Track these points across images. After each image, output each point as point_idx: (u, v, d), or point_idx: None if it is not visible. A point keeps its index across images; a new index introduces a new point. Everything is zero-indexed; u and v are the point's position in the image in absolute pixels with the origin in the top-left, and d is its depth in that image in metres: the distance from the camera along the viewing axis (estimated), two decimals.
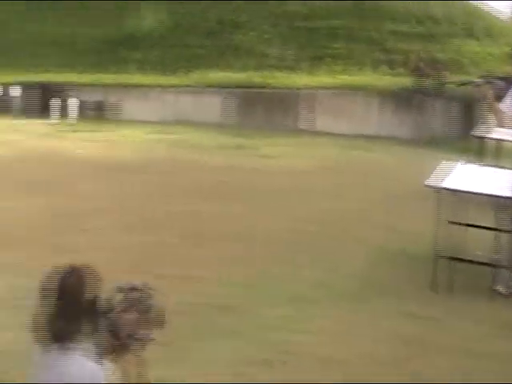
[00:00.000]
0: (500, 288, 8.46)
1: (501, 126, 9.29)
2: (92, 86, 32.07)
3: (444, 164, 8.77)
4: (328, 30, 33.17)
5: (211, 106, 28.39)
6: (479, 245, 8.96)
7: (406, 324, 7.31)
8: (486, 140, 9.68)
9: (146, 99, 30.47)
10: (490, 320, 7.57)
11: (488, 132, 9.47)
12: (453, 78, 23.95)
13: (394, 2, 33.56)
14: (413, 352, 6.62)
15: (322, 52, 31.63)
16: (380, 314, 7.58)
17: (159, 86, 30.61)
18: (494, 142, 9.63)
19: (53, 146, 21.27)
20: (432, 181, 8.50)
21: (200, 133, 24.46)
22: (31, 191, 13.87)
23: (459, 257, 8.39)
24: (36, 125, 28.24)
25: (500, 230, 8.61)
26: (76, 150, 20.00)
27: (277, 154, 19.71)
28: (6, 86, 35.15)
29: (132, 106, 30.50)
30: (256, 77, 28.94)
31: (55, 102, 31.22)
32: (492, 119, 9.81)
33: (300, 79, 28.68)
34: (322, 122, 26.11)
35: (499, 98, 9.53)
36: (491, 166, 9.08)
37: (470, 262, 8.54)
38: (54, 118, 30.72)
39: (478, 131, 9.82)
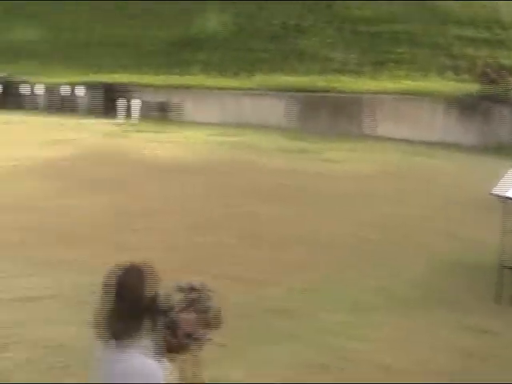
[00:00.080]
0: None
1: None
2: (155, 87, 32.49)
3: (510, 173, 8.56)
4: (391, 34, 32.87)
5: (273, 110, 28.42)
6: None
7: (466, 335, 7.14)
8: None
9: (209, 101, 30.69)
10: None
11: None
12: None
13: (460, 6, 33.02)
14: (471, 364, 6.46)
15: (385, 57, 31.35)
16: (439, 323, 7.43)
17: (222, 88, 30.79)
18: None
19: (117, 146, 21.66)
20: (498, 190, 8.29)
21: (262, 136, 24.54)
22: (95, 189, 14.14)
23: None
24: (101, 124, 28.77)
25: None
26: (140, 150, 20.31)
27: (339, 159, 19.63)
28: (73, 85, 35.98)
29: (194, 108, 30.77)
30: (319, 81, 28.85)
31: (120, 103, 31.73)
32: None
33: (363, 84, 28.47)
34: (385, 128, 25.87)
35: None
36: None
37: None
38: (119, 117, 31.24)
39: None
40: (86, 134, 25.19)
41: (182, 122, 29.46)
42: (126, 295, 2.87)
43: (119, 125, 29.09)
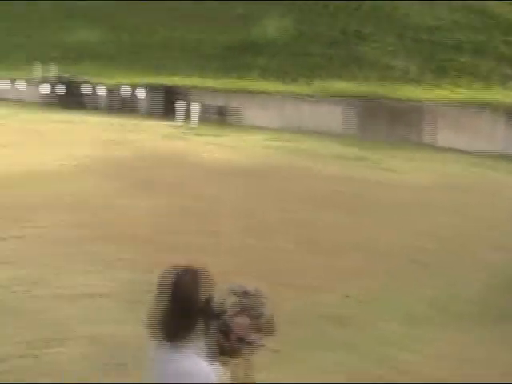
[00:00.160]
0: None
1: None
2: (215, 90, 32.72)
3: None
4: (453, 43, 32.42)
5: (332, 116, 28.32)
6: None
7: None
8: None
9: (267, 106, 30.75)
10: None
11: None
12: None
13: None
14: None
15: (446, 65, 30.93)
16: (496, 340, 7.22)
17: (280, 93, 30.82)
18: None
19: (175, 148, 21.89)
20: None
21: (319, 142, 24.48)
22: (153, 190, 14.33)
23: None
24: (160, 126, 29.13)
25: None
26: (198, 153, 20.49)
27: (397, 167, 19.44)
28: (134, 87, 36.53)
29: (253, 112, 30.87)
30: (379, 88, 28.62)
31: (180, 105, 32.05)
32: None
33: (423, 93, 28.13)
34: (445, 137, 25.49)
35: None
36: None
37: None
38: (178, 120, 31.56)
39: None
40: (146, 135, 25.52)
41: (241, 126, 29.60)
42: (181, 297, 2.88)
43: (178, 127, 29.39)
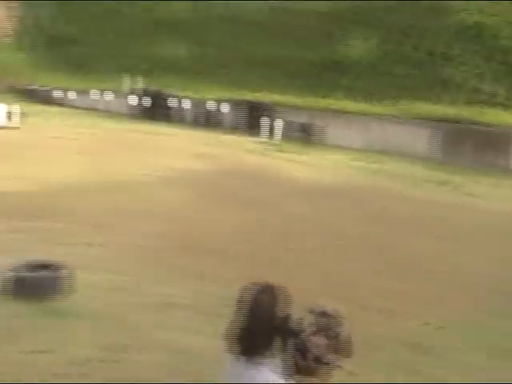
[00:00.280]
0: None
1: None
2: (298, 107, 32.79)
3: None
4: None
5: (417, 138, 27.92)
6: None
7: None
8: None
9: (351, 126, 30.60)
10: None
11: None
12: None
13: None
14: None
15: None
16: None
17: (364, 113, 30.64)
18: None
19: (258, 164, 22.04)
20: None
21: (403, 164, 24.19)
22: (234, 205, 14.45)
23: None
24: (244, 141, 29.38)
25: None
26: (280, 170, 20.57)
27: (483, 193, 18.96)
28: (218, 101, 37.02)
29: (336, 131, 30.78)
30: (465, 112, 28.06)
31: (264, 121, 32.25)
32: None
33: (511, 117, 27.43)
34: None
35: None
36: None
37: None
38: (262, 136, 31.75)
39: None
40: (229, 149, 25.80)
41: (324, 145, 29.57)
42: (259, 313, 2.91)
43: (261, 143, 29.58)
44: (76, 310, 7.29)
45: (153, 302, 7.84)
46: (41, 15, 62.83)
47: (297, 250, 10.91)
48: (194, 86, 39.80)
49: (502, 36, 33.64)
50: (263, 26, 44.68)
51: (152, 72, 44.43)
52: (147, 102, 41.50)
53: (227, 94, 36.89)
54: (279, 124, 31.86)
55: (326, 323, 3.10)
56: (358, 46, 38.11)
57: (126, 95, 43.27)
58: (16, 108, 30.90)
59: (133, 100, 42.50)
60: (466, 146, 26.73)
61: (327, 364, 3.04)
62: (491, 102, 29.93)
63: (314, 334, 3.05)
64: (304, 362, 3.02)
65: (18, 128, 28.77)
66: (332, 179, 19.60)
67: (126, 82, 43.23)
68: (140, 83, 42.48)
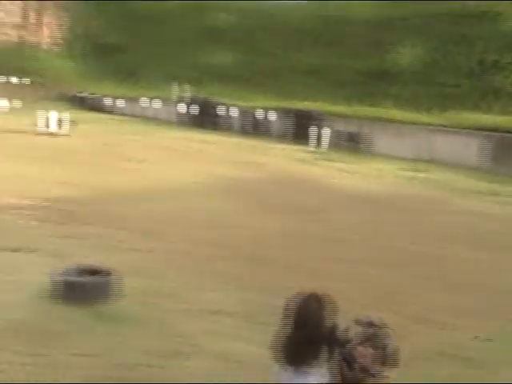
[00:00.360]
0: None
1: None
2: (346, 117, 32.70)
3: None
4: None
5: (466, 148, 27.56)
6: None
7: None
8: None
9: (400, 135, 30.37)
10: None
11: None
12: None
13: None
14: None
15: None
16: None
17: (414, 123, 30.39)
18: None
19: (305, 173, 22.02)
20: None
21: (452, 174, 23.90)
22: (282, 213, 14.46)
23: None
24: (291, 150, 29.39)
25: None
26: (328, 179, 20.52)
27: None
28: (266, 110, 37.14)
29: (385, 141, 30.59)
30: None
31: (311, 130, 32.24)
32: None
33: None
34: None
35: None
36: None
37: None
38: (309, 145, 31.74)
39: None
40: (276, 158, 25.84)
41: (373, 154, 29.41)
42: (306, 323, 2.92)
43: (309, 152, 29.55)
44: (124, 315, 7.38)
45: (201, 308, 7.88)
46: (90, 24, 63.98)
47: (345, 259, 10.85)
48: (241, 95, 40.02)
49: None
50: (311, 35, 44.72)
51: (200, 80, 44.83)
52: (195, 109, 41.87)
53: (275, 103, 36.98)
54: (327, 133, 31.80)
55: (373, 333, 3.10)
56: (406, 55, 37.86)
57: (174, 103, 43.73)
58: (66, 115, 31.51)
59: (181, 108, 42.93)
60: None
61: (374, 375, 3.04)
62: None
63: (361, 344, 3.05)
64: (350, 372, 3.02)
65: (68, 135, 29.32)
66: (380, 188, 19.48)
67: (175, 90, 43.69)
68: (188, 91, 42.89)
